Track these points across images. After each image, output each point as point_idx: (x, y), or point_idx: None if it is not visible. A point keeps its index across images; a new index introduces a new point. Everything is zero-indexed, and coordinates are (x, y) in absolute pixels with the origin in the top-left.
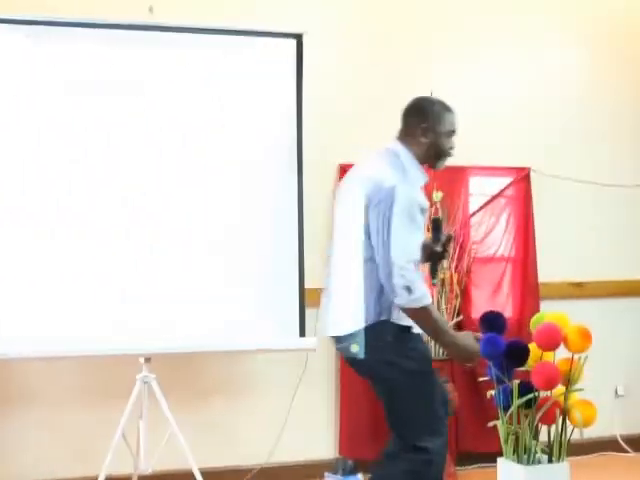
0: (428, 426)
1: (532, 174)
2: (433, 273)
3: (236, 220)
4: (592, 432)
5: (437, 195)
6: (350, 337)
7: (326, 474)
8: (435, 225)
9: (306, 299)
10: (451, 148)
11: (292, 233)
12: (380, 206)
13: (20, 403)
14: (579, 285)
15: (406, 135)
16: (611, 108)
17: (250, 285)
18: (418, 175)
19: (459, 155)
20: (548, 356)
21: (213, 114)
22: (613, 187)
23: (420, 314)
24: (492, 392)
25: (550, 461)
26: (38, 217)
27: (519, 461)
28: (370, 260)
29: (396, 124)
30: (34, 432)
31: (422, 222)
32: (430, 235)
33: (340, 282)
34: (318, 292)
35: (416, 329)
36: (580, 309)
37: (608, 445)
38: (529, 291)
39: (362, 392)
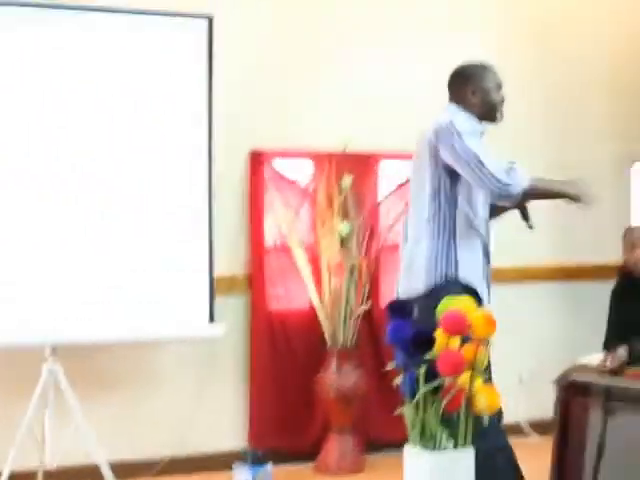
0: None
1: None
2: (525, 218)
3: (145, 208)
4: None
5: (346, 181)
6: (415, 301)
7: (235, 464)
8: None
9: (216, 286)
10: (502, 100)
11: (202, 219)
12: (447, 140)
13: None
14: None
15: (457, 102)
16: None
17: (159, 274)
18: (471, 121)
19: (369, 141)
20: (454, 343)
21: (123, 96)
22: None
23: (533, 189)
24: (399, 379)
25: (456, 447)
26: None
27: (425, 448)
28: (427, 210)
29: (310, 108)
30: None
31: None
32: None
33: (408, 245)
34: (228, 279)
35: (479, 288)
36: None
37: (512, 430)
38: None
39: (272, 382)
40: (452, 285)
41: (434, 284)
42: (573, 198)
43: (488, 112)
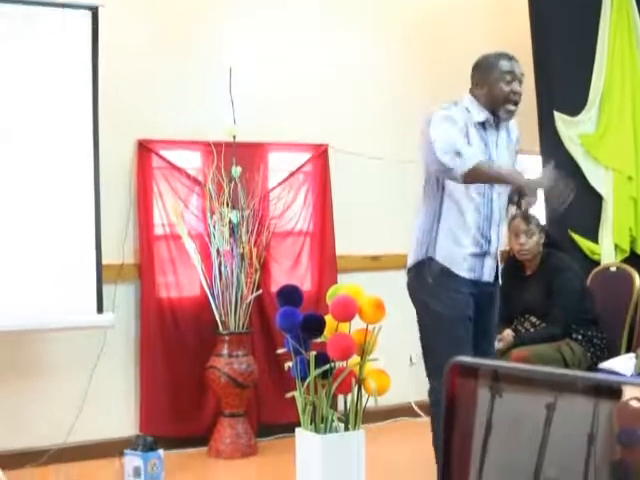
0: (438, 367)
1: (330, 151)
2: (518, 204)
3: (32, 196)
4: (388, 400)
5: (236, 170)
6: (407, 271)
7: (126, 451)
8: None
9: (103, 275)
10: (513, 92)
11: (89, 208)
12: (422, 126)
13: None
14: (375, 258)
15: (470, 91)
16: (402, 91)
17: (46, 263)
18: (475, 110)
19: (259, 131)
20: (344, 327)
21: (8, 86)
22: (400, 163)
23: (473, 174)
24: (290, 364)
25: (347, 429)
26: None
27: (316, 430)
28: (423, 190)
29: (197, 100)
30: None
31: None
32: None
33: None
34: (115, 268)
35: (461, 272)
36: (376, 281)
37: (403, 411)
38: (327, 264)
39: (162, 369)
40: (432, 263)
41: (418, 260)
42: (517, 189)
43: (493, 104)
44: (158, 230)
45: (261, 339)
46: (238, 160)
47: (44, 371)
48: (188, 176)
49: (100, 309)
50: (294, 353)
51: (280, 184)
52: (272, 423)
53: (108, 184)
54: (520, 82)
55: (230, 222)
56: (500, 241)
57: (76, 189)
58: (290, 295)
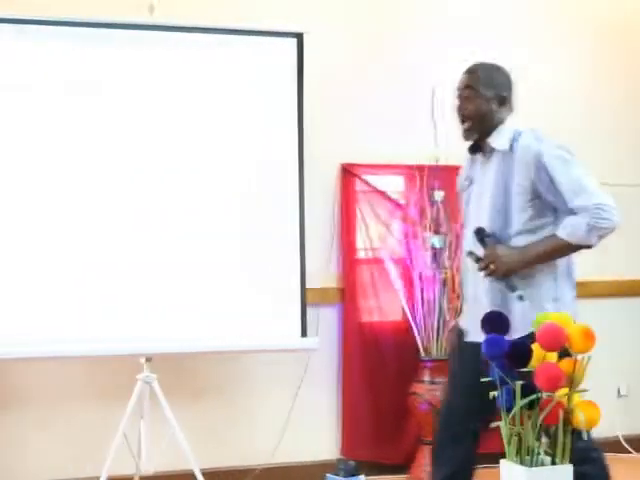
0: None
1: None
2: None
3: (237, 222)
4: (594, 433)
5: (438, 194)
6: None
7: (327, 476)
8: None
9: (307, 299)
10: (457, 109)
11: (294, 234)
12: None
13: (19, 404)
14: (582, 284)
15: None
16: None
17: (252, 286)
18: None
19: (462, 154)
20: (551, 357)
21: (214, 114)
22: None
23: None
24: (495, 393)
25: (553, 463)
26: (34, 216)
27: (522, 462)
28: None
29: (399, 123)
30: (33, 433)
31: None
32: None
33: None
34: (318, 292)
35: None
36: (582, 308)
37: (610, 446)
38: None
39: (363, 393)
40: None
41: None
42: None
43: None
44: (360, 254)
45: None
46: (441, 183)
47: (249, 392)
48: (390, 200)
49: (304, 332)
50: (499, 382)
51: None
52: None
53: (312, 208)
54: (460, 97)
55: (433, 247)
56: None
57: (281, 213)
58: (496, 322)
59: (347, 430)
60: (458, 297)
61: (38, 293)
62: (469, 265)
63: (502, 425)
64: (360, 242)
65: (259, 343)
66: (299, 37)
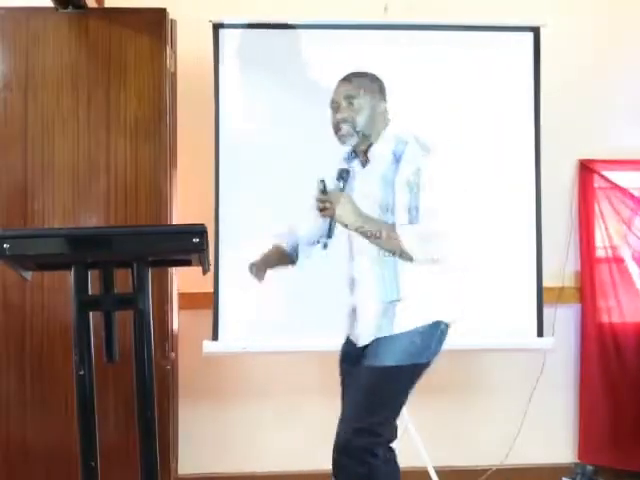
0: None
1: None
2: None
3: (474, 220)
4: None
5: None
6: None
7: (564, 479)
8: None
9: (544, 298)
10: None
11: (530, 232)
12: None
13: (259, 396)
14: None
15: None
16: None
17: (488, 284)
18: None
19: None
20: None
21: (451, 111)
22: None
23: None
24: None
25: None
26: None
27: None
28: None
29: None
30: (273, 424)
31: None
32: None
33: None
34: (555, 291)
35: None
36: None
37: None
38: None
39: (602, 396)
40: None
41: None
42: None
43: None
44: (599, 252)
45: None
46: None
47: (485, 390)
48: (632, 197)
49: (540, 332)
50: None
51: None
52: None
53: (549, 205)
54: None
55: None
56: None
57: (517, 210)
58: None
59: (584, 433)
60: None
61: (283, 293)
62: None
63: None
64: (599, 240)
65: (495, 341)
66: (536, 31)
